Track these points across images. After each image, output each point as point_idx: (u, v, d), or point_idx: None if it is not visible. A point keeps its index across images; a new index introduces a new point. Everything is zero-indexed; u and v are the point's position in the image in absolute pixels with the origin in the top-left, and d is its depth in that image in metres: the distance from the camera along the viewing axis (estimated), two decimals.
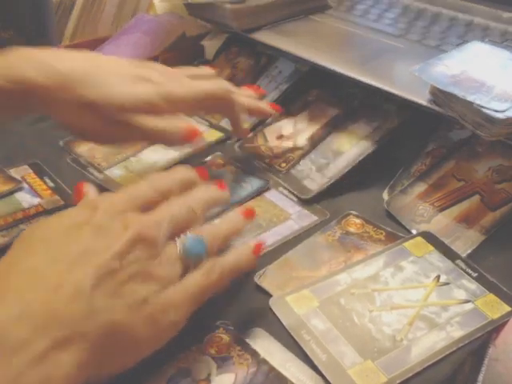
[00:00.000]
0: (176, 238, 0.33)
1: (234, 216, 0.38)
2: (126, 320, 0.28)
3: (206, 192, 0.37)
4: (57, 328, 0.26)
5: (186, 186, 0.37)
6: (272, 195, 0.49)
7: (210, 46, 0.74)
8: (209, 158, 0.55)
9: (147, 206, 0.34)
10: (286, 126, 0.58)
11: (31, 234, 0.31)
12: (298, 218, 0.46)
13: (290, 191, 0.50)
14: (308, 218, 0.47)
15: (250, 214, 0.38)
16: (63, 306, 0.26)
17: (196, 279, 0.32)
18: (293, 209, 0.48)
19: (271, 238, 0.44)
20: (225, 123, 0.61)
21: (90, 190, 0.36)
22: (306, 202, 0.48)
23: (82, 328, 0.27)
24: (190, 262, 0.32)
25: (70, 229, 0.30)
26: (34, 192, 0.49)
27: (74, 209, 0.33)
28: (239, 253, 0.35)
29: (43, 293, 0.27)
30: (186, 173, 0.38)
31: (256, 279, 0.40)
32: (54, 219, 0.32)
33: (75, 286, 0.27)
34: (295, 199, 0.49)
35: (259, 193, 0.49)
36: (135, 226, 0.31)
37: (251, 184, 0.50)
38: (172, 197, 0.35)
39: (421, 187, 0.48)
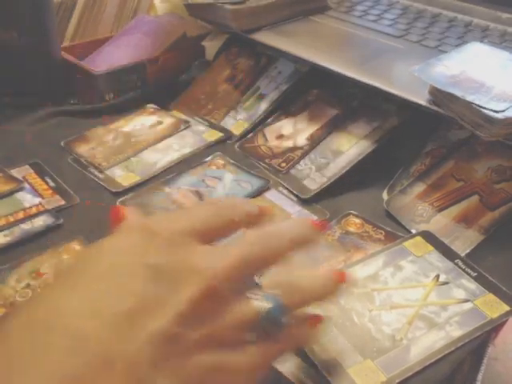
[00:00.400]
0: (253, 297, 0.26)
1: (326, 279, 0.30)
2: None
3: (294, 226, 0.29)
4: None
5: (254, 221, 0.29)
6: (272, 195, 0.49)
7: (211, 46, 0.74)
8: (209, 158, 0.55)
9: (209, 236, 0.27)
10: (286, 125, 0.58)
11: (69, 272, 0.25)
12: (298, 217, 0.47)
13: (289, 191, 0.50)
14: (308, 217, 0.47)
15: (342, 279, 0.30)
16: None
17: (273, 349, 0.26)
18: (293, 208, 0.48)
19: None
20: (225, 123, 0.61)
21: (131, 215, 0.28)
22: (306, 202, 0.49)
23: None
24: (264, 328, 0.26)
25: (118, 269, 0.24)
26: (35, 192, 0.50)
27: (122, 236, 0.26)
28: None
29: (88, 369, 0.21)
30: (255, 205, 0.30)
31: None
32: (99, 252, 0.25)
33: (129, 362, 0.21)
34: (295, 199, 0.49)
35: (259, 192, 0.49)
36: (204, 274, 0.24)
37: (251, 184, 0.50)
38: (242, 229, 0.28)
39: (420, 187, 0.48)
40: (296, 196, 0.49)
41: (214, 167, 0.53)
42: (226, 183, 0.51)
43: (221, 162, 0.54)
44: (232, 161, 0.54)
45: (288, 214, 0.47)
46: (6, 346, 0.21)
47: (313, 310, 0.30)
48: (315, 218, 0.47)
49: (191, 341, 0.23)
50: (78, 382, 0.20)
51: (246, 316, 0.25)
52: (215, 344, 0.24)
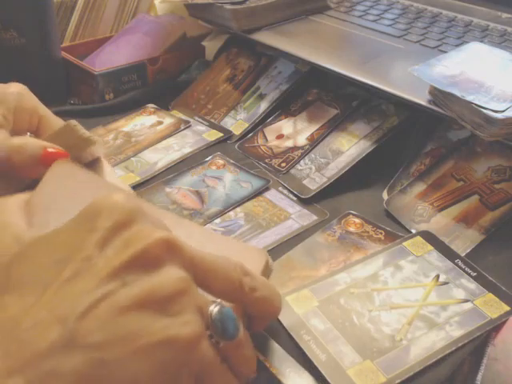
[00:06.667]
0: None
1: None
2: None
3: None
4: (32, 367, 0.21)
5: None
6: (272, 195, 0.49)
7: (211, 46, 0.74)
8: (209, 158, 0.55)
9: None
10: (286, 125, 0.58)
11: (11, 272, 0.25)
12: (297, 217, 0.47)
13: (289, 191, 0.50)
14: (308, 217, 0.47)
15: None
16: (39, 341, 0.22)
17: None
18: (293, 208, 0.48)
19: (271, 237, 0.44)
20: (225, 123, 0.61)
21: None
22: (306, 202, 0.48)
23: (59, 365, 0.22)
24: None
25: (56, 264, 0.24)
26: None
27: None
28: None
29: (20, 333, 0.22)
30: None
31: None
32: (39, 251, 0.25)
33: (57, 317, 0.22)
34: (295, 199, 0.49)
35: (260, 192, 0.49)
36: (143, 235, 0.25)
37: (251, 183, 0.50)
38: None
39: (420, 187, 0.48)
40: (296, 196, 0.49)
41: (214, 167, 0.53)
42: (226, 183, 0.51)
43: (220, 161, 0.54)
44: (232, 161, 0.54)
45: (288, 213, 0.47)
46: None
47: None
48: (315, 217, 0.47)
49: (119, 299, 0.23)
50: (13, 344, 0.22)
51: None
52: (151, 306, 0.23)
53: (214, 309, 0.26)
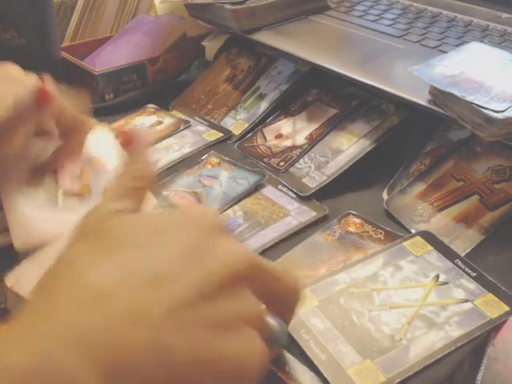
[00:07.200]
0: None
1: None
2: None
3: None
4: (109, 359, 0.21)
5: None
6: (271, 192, 0.49)
7: (211, 46, 0.74)
8: (204, 157, 0.55)
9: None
10: (285, 125, 0.58)
11: (103, 232, 0.25)
12: (296, 214, 0.47)
13: (289, 188, 0.50)
14: (307, 213, 0.47)
15: None
16: (121, 334, 0.22)
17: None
18: (291, 205, 0.48)
19: (270, 235, 0.44)
20: (225, 123, 0.61)
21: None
22: (305, 199, 0.48)
23: (138, 360, 0.22)
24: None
25: (155, 242, 0.25)
26: None
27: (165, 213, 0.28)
28: None
29: (101, 317, 0.22)
30: None
31: None
32: (139, 217, 0.27)
33: (142, 312, 0.22)
34: (294, 196, 0.49)
35: (257, 187, 0.49)
36: (236, 259, 0.26)
37: (248, 179, 0.50)
38: None
39: (420, 187, 0.48)
40: (295, 193, 0.49)
41: (209, 166, 0.53)
42: (223, 181, 0.51)
43: (215, 160, 0.54)
44: (226, 158, 0.54)
45: (287, 210, 0.47)
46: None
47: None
48: (314, 213, 0.47)
49: (204, 314, 0.23)
50: (94, 328, 0.21)
51: (259, 316, 0.26)
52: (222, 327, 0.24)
53: (272, 320, 0.27)
